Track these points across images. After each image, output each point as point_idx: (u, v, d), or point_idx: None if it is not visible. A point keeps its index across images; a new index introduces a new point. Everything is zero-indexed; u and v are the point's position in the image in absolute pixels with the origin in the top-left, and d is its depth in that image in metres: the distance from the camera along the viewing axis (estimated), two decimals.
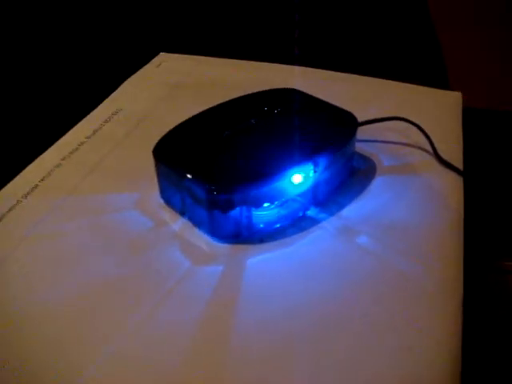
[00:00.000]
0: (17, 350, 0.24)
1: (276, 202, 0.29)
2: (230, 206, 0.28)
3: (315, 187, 0.30)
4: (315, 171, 0.29)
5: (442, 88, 0.43)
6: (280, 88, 0.36)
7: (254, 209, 0.29)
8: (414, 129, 0.37)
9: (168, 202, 0.31)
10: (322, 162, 0.30)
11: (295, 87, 0.36)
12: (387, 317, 0.25)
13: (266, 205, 0.29)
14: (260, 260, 0.28)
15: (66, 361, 0.24)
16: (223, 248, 0.29)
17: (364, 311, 0.26)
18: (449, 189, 0.33)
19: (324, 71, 0.45)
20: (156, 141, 0.31)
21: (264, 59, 0.46)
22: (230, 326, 0.25)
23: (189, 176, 0.28)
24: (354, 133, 0.32)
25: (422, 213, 0.31)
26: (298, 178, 0.29)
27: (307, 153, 0.29)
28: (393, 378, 0.23)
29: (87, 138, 0.38)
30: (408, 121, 0.36)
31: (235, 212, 0.28)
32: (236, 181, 0.28)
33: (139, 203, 0.32)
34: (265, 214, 0.29)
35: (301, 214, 0.31)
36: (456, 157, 0.35)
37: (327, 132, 0.31)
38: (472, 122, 0.40)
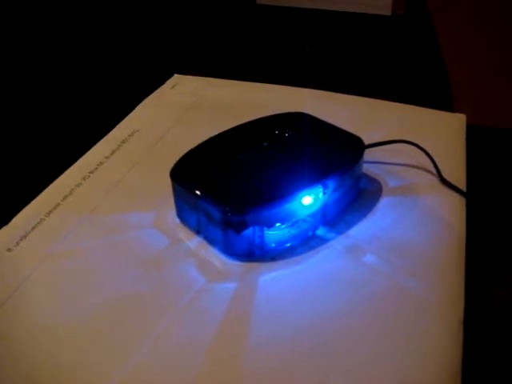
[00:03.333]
0: (39, 364, 0.26)
1: (287, 223, 0.31)
2: (243, 226, 0.29)
3: (324, 208, 0.32)
4: (324, 193, 0.31)
5: (447, 105, 0.45)
6: (290, 112, 0.37)
7: (266, 229, 0.30)
8: (419, 151, 0.38)
9: (184, 221, 0.33)
10: (331, 184, 0.31)
11: (304, 109, 0.38)
12: (392, 332, 0.27)
13: (277, 225, 0.30)
14: (272, 277, 0.30)
15: (85, 376, 0.25)
16: (236, 266, 0.30)
17: (370, 327, 0.27)
18: (452, 209, 0.34)
19: (331, 93, 0.46)
20: (172, 162, 0.33)
21: (274, 81, 0.48)
22: (244, 341, 0.26)
23: (204, 197, 0.30)
24: (361, 156, 0.33)
25: (425, 232, 0.33)
26: (308, 200, 0.31)
27: (317, 175, 0.31)
28: None
29: (106, 158, 0.39)
30: (413, 143, 0.38)
31: (248, 232, 0.30)
32: (249, 202, 0.29)
33: (156, 222, 0.34)
34: (276, 233, 0.31)
35: (310, 234, 0.32)
36: (459, 178, 0.36)
37: (335, 155, 0.33)
38: (476, 140, 0.41)
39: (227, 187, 0.30)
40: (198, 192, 0.30)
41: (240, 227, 0.29)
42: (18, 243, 0.32)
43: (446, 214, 0.34)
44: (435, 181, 0.36)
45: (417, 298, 0.28)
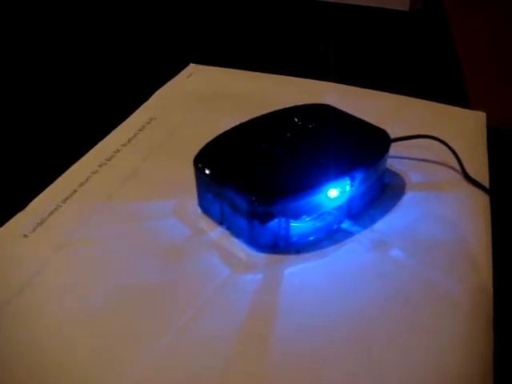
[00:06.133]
0: (54, 353, 0.25)
1: (313, 215, 0.30)
2: (269, 217, 0.29)
3: (350, 201, 0.31)
4: (352, 186, 0.30)
5: (462, 105, 0.44)
6: (314, 103, 0.37)
7: (292, 221, 0.29)
8: (441, 146, 0.37)
9: (206, 210, 0.32)
10: (359, 176, 0.30)
11: (326, 103, 0.37)
12: (420, 327, 0.26)
13: (303, 217, 0.30)
14: (297, 270, 0.29)
15: (103, 367, 0.24)
16: (261, 257, 0.30)
17: (396, 322, 0.26)
18: (477, 206, 0.34)
19: (351, 87, 0.46)
20: (190, 151, 0.32)
21: (294, 74, 0.47)
22: (269, 333, 0.26)
23: (230, 186, 0.29)
24: (387, 149, 0.33)
25: (451, 228, 0.32)
26: (335, 192, 0.30)
27: (345, 168, 0.30)
28: None
29: (123, 145, 0.39)
30: (439, 139, 0.37)
31: (274, 223, 0.29)
32: (277, 193, 0.29)
33: (177, 211, 0.33)
34: (301, 225, 0.30)
35: (335, 227, 0.31)
36: (482, 175, 0.36)
37: (362, 148, 0.32)
38: (493, 142, 0.41)
39: (253, 177, 0.30)
40: (223, 181, 0.29)
41: (266, 218, 0.29)
42: (34, 229, 0.31)
43: (470, 210, 0.33)
44: (459, 177, 0.36)
45: (445, 293, 0.28)
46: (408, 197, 0.34)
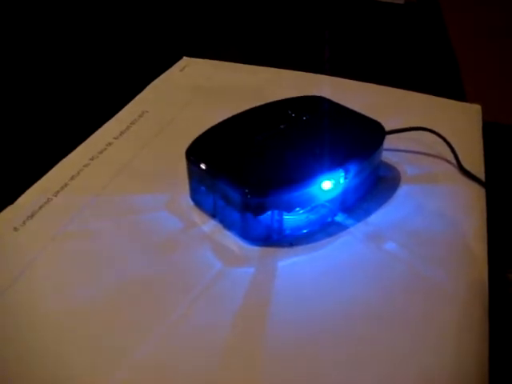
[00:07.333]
0: (45, 350, 0.24)
1: (307, 207, 0.30)
2: (262, 209, 0.28)
3: (344, 194, 0.31)
4: (346, 178, 0.30)
5: (458, 98, 0.44)
6: (308, 95, 0.37)
7: (285, 213, 0.29)
8: (436, 139, 0.37)
9: (198, 203, 0.32)
10: (353, 168, 0.30)
11: (321, 95, 0.37)
12: (414, 320, 0.26)
13: (296, 209, 0.29)
14: (290, 263, 0.29)
15: (95, 362, 0.24)
16: (254, 250, 0.29)
17: (391, 314, 0.26)
18: (472, 198, 0.33)
19: (344, 79, 0.46)
20: (183, 143, 0.32)
21: (288, 67, 0.47)
22: (261, 327, 0.25)
23: (223, 179, 0.29)
24: (382, 141, 0.33)
25: (446, 221, 0.32)
26: (329, 184, 0.30)
27: (339, 160, 0.30)
28: (420, 380, 0.23)
29: (115, 138, 0.38)
30: (434, 132, 0.37)
31: (267, 216, 0.29)
32: (270, 185, 0.28)
33: (169, 204, 0.32)
34: (294, 218, 0.30)
35: (329, 220, 0.31)
36: (478, 168, 0.36)
37: (356, 140, 0.32)
38: (490, 136, 0.41)
39: (246, 169, 0.29)
40: (216, 173, 0.29)
41: (259, 210, 0.28)
42: (24, 222, 0.31)
43: (466, 203, 0.33)
44: (454, 170, 0.36)
45: (440, 286, 0.28)
46: (403, 189, 0.34)
